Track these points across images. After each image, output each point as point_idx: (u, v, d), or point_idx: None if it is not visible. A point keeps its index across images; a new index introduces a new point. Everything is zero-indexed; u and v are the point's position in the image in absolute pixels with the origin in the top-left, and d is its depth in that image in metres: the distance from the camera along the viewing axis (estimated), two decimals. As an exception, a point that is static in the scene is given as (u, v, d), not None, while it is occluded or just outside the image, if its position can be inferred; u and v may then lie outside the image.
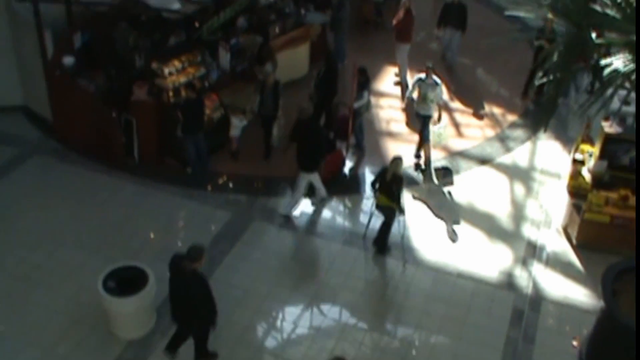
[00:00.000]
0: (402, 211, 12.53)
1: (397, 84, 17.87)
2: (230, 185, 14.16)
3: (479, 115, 16.68)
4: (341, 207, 14.03)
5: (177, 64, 14.21)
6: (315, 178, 13.24)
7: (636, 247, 7.75)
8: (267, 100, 14.35)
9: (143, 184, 13.80)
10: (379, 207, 12.60)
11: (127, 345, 10.72)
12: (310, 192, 13.57)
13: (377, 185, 12.46)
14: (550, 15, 12.60)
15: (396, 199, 12.34)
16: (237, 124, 14.43)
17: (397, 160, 12.31)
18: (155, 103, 13.99)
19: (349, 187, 14.35)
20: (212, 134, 14.40)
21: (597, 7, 8.48)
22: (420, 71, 15.14)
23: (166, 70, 13.99)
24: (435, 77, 14.67)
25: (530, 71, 16.58)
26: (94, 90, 14.07)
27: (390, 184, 12.24)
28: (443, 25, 18.13)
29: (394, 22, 17.57)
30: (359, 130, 15.01)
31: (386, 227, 12.56)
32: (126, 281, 10.54)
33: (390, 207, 12.39)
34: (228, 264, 12.23)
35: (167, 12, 13.96)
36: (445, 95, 15.50)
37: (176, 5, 14.08)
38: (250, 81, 15.53)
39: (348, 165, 14.82)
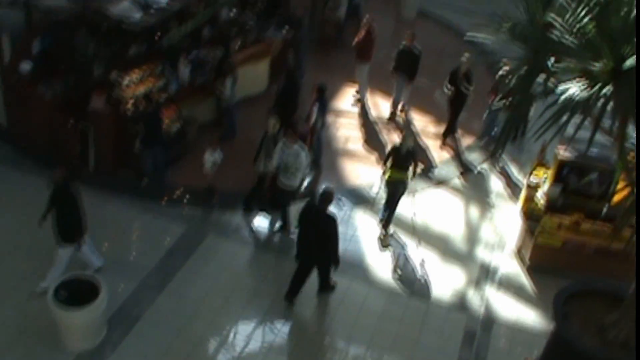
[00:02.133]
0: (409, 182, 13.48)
1: (356, 102, 17.94)
2: (186, 198, 14.05)
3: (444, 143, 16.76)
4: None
5: (136, 74, 14.13)
6: None
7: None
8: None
9: (97, 194, 13.59)
10: (390, 183, 13.25)
11: (76, 357, 10.56)
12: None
13: (389, 163, 13.24)
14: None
15: (409, 171, 13.29)
16: (209, 159, 13.82)
17: (408, 134, 13.53)
18: (113, 113, 13.85)
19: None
20: (170, 146, 14.30)
21: (554, 35, 8.64)
22: (380, 91, 15.18)
23: (125, 80, 13.89)
24: (296, 146, 12.80)
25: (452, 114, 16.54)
26: (51, 98, 13.90)
27: (407, 157, 13.15)
28: (395, 72, 17.21)
29: (355, 41, 17.67)
30: (317, 147, 15.03)
31: (395, 204, 13.43)
32: (77, 292, 10.38)
33: (402, 180, 13.23)
34: (182, 277, 12.12)
35: (128, 21, 13.83)
36: (306, 163, 13.03)
37: (138, 15, 13.97)
38: (209, 94, 15.49)
39: (305, 181, 14.80)
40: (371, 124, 17.20)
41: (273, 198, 13.65)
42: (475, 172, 15.71)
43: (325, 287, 12.09)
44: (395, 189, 13.36)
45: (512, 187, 15.27)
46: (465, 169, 15.84)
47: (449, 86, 16.04)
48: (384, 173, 13.43)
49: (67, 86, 14.17)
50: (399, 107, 17.35)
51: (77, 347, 10.63)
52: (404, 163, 13.21)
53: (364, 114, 17.58)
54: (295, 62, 17.88)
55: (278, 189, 13.08)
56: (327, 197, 11.32)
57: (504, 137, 9.69)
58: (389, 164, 13.31)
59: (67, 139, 13.92)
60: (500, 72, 15.02)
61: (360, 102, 17.89)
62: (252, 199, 13.75)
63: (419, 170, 13.87)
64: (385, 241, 13.53)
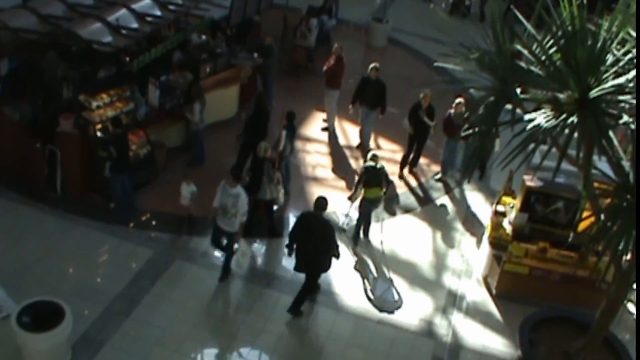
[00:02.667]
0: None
1: (324, 129, 18.01)
2: (153, 222, 13.96)
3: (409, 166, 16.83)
4: (264, 250, 13.98)
5: (105, 97, 14.05)
6: None
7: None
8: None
9: (64, 218, 13.50)
10: (368, 201, 13.81)
11: (39, 382, 10.38)
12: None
13: (364, 183, 13.70)
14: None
15: (383, 188, 13.96)
16: (185, 191, 13.68)
17: (375, 156, 13.84)
18: (81, 135, 13.78)
19: (273, 230, 14.28)
20: (138, 170, 14.24)
21: (522, 64, 8.77)
22: (348, 119, 15.23)
23: (94, 103, 13.81)
24: (236, 189, 12.18)
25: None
26: (19, 119, 13.80)
27: (379, 175, 13.74)
28: (358, 102, 17.00)
29: (325, 68, 17.77)
30: (285, 174, 15.04)
31: (370, 217, 14.11)
32: (41, 316, 10.22)
33: (379, 198, 13.95)
34: (148, 302, 12.01)
35: (98, 44, 13.81)
36: (245, 206, 12.32)
37: (108, 38, 13.95)
38: (178, 119, 15.47)
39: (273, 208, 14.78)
40: (340, 151, 17.28)
41: (272, 226, 14.15)
42: (440, 203, 15.78)
43: (300, 302, 12.29)
44: (372, 207, 13.94)
45: (480, 215, 15.38)
46: (432, 198, 15.92)
47: (407, 123, 16.15)
48: (353, 194, 13.98)
49: (35, 108, 14.07)
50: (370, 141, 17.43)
51: (41, 372, 10.46)
52: (377, 181, 13.73)
53: (332, 140, 17.66)
54: (264, 88, 17.98)
55: (221, 229, 12.70)
56: (322, 205, 11.88)
57: (470, 167, 9.80)
58: (361, 184, 13.71)
59: (34, 162, 13.78)
60: (457, 102, 15.28)
61: (329, 129, 17.96)
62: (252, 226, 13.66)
63: (388, 189, 14.29)
64: (359, 263, 13.69)
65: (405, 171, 16.63)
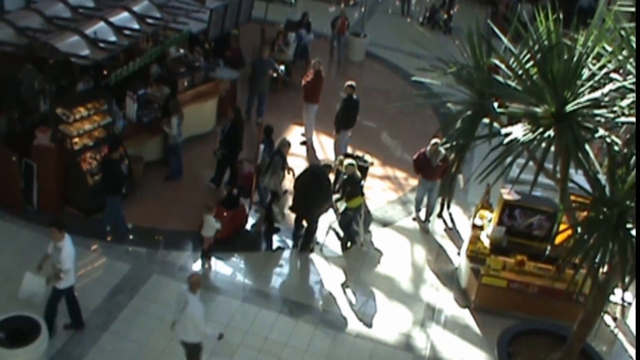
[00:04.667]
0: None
1: (302, 143, 18.03)
2: (131, 237, 13.88)
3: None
4: (242, 264, 13.93)
5: (82, 110, 13.99)
6: None
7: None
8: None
9: (40, 232, 13.32)
10: (352, 210, 14.03)
11: (15, 399, 10.23)
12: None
13: (346, 194, 13.91)
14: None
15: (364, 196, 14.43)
16: (212, 224, 13.31)
17: (352, 165, 14.01)
18: (58, 149, 13.70)
19: (250, 244, 14.24)
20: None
21: (500, 78, 8.85)
22: (326, 133, 15.19)
23: (71, 117, 13.73)
24: (60, 242, 10.72)
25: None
26: (-5, 132, 13.71)
27: (359, 184, 14.12)
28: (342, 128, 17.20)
29: (304, 83, 17.81)
30: (262, 188, 15.02)
31: (350, 225, 14.27)
32: (17, 332, 10.12)
33: (361, 206, 14.19)
34: (125, 317, 11.92)
35: (76, 57, 13.75)
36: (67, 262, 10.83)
37: (86, 51, 13.91)
38: (156, 132, 15.42)
39: (250, 222, 14.79)
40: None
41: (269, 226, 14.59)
42: (420, 212, 15.80)
43: (309, 242, 13.96)
44: (355, 214, 14.11)
45: (457, 228, 15.43)
46: (410, 211, 15.94)
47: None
48: (338, 207, 14.16)
49: (12, 121, 13.97)
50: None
51: (17, 388, 10.33)
52: (359, 190, 14.01)
53: (310, 154, 17.68)
54: (258, 103, 18.03)
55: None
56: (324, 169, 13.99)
57: (449, 182, 9.86)
58: (341, 195, 13.94)
59: (10, 175, 13.66)
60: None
61: (307, 142, 17.98)
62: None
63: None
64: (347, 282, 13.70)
65: (384, 185, 16.64)
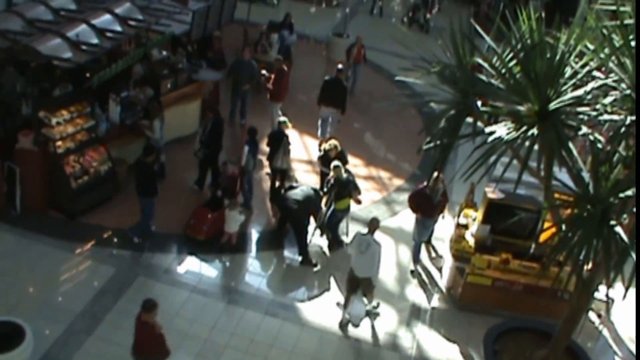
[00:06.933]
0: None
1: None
2: (115, 240, 13.81)
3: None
4: (227, 266, 13.90)
5: (65, 113, 13.90)
6: None
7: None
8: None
9: (24, 236, 13.30)
10: (340, 211, 14.26)
11: (-1, 404, 10.18)
12: None
13: (334, 196, 14.02)
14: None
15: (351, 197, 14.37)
16: (237, 218, 13.88)
17: (338, 167, 14.00)
18: (40, 152, 13.61)
19: (235, 245, 14.21)
20: (98, 187, 14.11)
21: (483, 77, 8.87)
22: (308, 133, 15.20)
23: (54, 120, 13.64)
24: None
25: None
26: (-24, 136, 13.61)
27: (347, 184, 14.08)
28: (323, 103, 17.70)
29: (270, 83, 17.94)
30: (247, 189, 15.01)
31: (337, 225, 14.55)
32: (1, 337, 10.03)
33: (349, 206, 14.47)
34: (111, 320, 11.86)
35: (58, 60, 13.67)
36: None
37: (68, 54, 13.83)
38: (139, 134, 15.36)
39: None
40: (300, 165, 17.28)
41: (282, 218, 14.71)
42: (402, 215, 15.80)
43: (305, 252, 13.97)
44: (343, 216, 14.40)
45: (442, 227, 15.45)
46: (395, 211, 15.97)
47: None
48: (326, 209, 14.23)
49: (-7, 124, 13.89)
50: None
51: (1, 394, 10.27)
52: (348, 191, 14.11)
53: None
54: (242, 105, 18.02)
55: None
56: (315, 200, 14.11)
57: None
58: (332, 195, 14.01)
59: (-8, 179, 13.60)
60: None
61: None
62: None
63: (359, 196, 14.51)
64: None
65: (368, 185, 16.66)
